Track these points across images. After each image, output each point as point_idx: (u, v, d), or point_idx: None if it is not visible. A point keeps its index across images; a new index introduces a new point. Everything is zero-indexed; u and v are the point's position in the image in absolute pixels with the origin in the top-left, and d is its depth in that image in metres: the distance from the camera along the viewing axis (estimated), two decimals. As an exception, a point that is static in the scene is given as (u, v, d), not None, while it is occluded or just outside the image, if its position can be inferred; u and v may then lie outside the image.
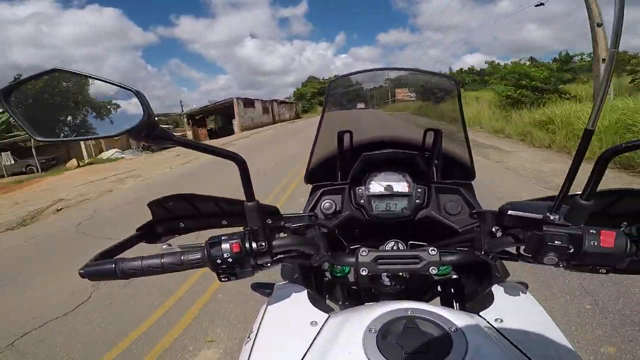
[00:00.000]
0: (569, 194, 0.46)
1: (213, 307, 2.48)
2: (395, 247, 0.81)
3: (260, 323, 0.61)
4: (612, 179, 4.67)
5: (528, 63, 15.68)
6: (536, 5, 13.37)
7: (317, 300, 0.65)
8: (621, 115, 6.52)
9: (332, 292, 0.91)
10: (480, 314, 0.58)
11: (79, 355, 2.12)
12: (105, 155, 19.03)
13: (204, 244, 0.54)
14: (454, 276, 0.82)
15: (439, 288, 0.89)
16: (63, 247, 4.28)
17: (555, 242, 0.46)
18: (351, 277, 0.86)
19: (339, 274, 0.85)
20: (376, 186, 0.87)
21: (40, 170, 16.69)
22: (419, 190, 0.85)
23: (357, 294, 0.90)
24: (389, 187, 0.86)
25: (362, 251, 0.63)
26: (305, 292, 0.67)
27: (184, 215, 0.70)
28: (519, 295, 0.64)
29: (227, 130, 29.17)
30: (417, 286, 0.83)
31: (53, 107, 0.51)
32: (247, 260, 0.53)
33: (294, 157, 9.25)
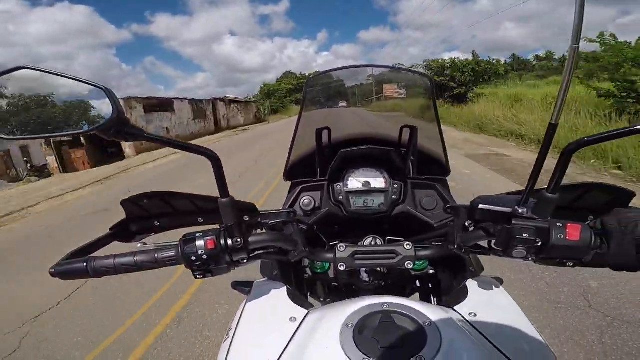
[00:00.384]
0: (537, 188, 0.47)
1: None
2: (373, 243, 0.82)
3: (239, 320, 0.61)
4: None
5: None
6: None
7: (297, 297, 0.65)
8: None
9: (314, 289, 0.92)
10: (455, 308, 0.59)
11: None
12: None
13: (178, 242, 0.54)
14: (431, 271, 0.84)
15: (417, 283, 0.90)
16: None
17: (524, 235, 0.47)
18: (331, 274, 0.86)
19: (319, 270, 0.86)
20: (354, 182, 0.88)
21: None
22: (395, 186, 0.87)
23: (338, 291, 0.91)
24: (366, 184, 0.87)
25: (340, 247, 0.64)
26: (284, 288, 0.67)
27: (159, 213, 0.69)
28: (492, 289, 0.65)
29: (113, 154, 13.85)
30: (395, 281, 0.84)
31: (17, 104, 0.49)
32: (222, 257, 0.53)
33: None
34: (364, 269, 0.80)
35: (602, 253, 0.47)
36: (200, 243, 0.52)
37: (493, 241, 0.53)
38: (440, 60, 19.55)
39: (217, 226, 0.57)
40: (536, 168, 0.46)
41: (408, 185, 0.88)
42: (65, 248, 0.56)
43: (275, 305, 0.63)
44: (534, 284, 2.34)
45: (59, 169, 12.37)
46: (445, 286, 0.80)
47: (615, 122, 7.54)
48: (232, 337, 0.57)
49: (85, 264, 0.53)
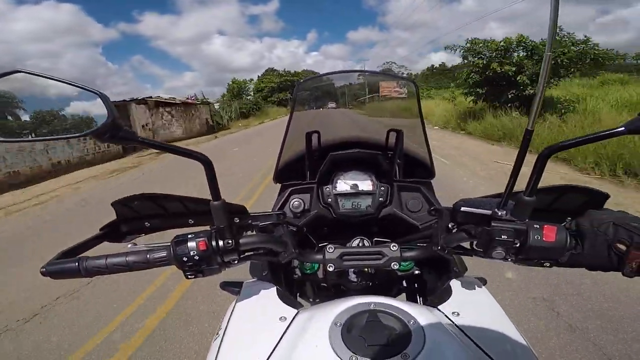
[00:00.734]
0: (515, 191, 0.49)
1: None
2: (360, 244, 0.84)
3: (229, 320, 0.62)
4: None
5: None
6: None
7: (287, 297, 0.66)
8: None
9: (303, 289, 0.93)
10: (439, 307, 0.61)
11: None
12: None
13: (170, 243, 0.54)
14: (417, 272, 0.86)
15: (404, 283, 0.92)
16: None
17: (503, 236, 0.49)
18: (320, 274, 0.88)
19: (308, 271, 0.88)
20: (342, 185, 0.90)
21: None
22: (382, 188, 0.89)
23: (326, 291, 0.92)
24: (354, 186, 0.89)
25: (328, 248, 0.65)
26: (274, 288, 0.68)
27: (150, 214, 0.70)
28: (475, 289, 0.67)
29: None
30: (383, 282, 0.86)
31: (14, 107, 0.50)
32: (213, 257, 0.54)
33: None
34: (352, 270, 0.81)
35: (577, 254, 0.48)
36: (192, 244, 0.53)
37: (475, 242, 0.55)
38: (495, 42, 10.41)
39: (207, 228, 0.58)
40: (514, 171, 0.48)
41: (394, 188, 0.90)
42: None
43: (265, 305, 0.64)
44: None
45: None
46: (431, 286, 0.81)
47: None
48: (222, 337, 0.58)
49: (77, 264, 0.53)
